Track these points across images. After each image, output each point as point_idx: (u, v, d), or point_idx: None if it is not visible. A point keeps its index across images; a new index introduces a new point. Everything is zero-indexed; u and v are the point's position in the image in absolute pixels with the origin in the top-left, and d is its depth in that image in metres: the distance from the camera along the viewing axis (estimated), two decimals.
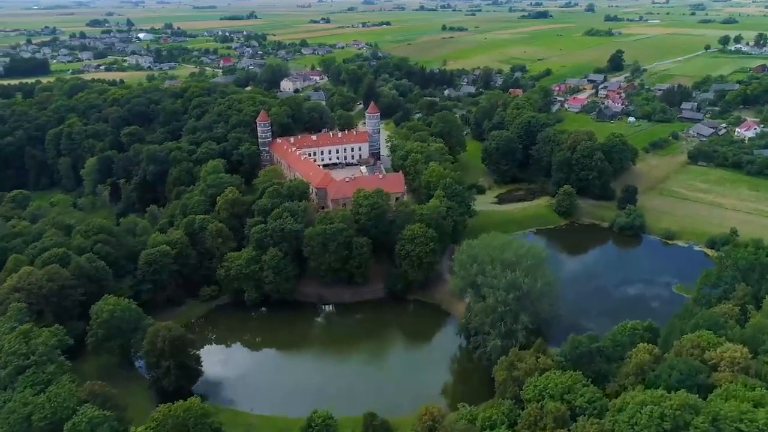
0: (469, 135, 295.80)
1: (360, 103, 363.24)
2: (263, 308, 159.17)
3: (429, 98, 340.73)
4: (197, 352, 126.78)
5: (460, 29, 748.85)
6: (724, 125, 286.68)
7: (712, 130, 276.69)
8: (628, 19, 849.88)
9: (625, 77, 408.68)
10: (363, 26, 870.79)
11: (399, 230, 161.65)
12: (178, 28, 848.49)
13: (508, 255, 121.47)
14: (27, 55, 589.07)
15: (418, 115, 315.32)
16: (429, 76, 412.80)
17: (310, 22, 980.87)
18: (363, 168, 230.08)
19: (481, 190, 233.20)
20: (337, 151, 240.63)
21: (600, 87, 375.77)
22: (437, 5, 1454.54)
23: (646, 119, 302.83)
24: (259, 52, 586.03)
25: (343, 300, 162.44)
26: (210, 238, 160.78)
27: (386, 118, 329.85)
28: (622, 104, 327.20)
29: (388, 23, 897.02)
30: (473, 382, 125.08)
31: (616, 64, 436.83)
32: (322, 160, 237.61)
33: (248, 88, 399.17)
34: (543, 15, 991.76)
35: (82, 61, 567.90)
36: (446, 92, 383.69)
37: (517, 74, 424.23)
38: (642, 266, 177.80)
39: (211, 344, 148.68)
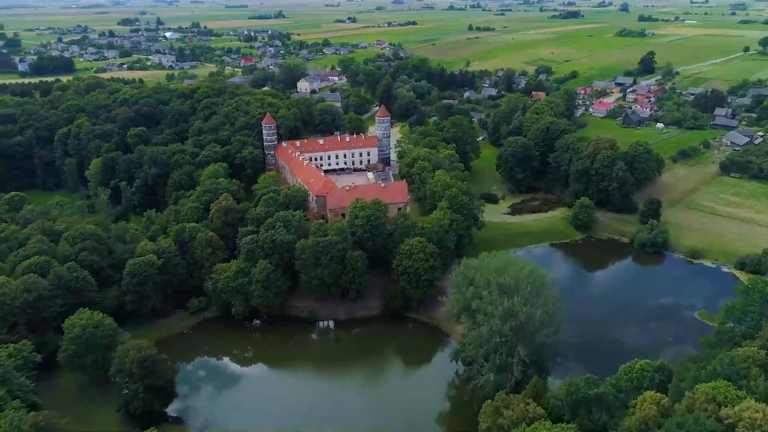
0: (486, 140, 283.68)
1: (377, 105, 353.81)
2: (257, 321, 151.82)
3: (446, 101, 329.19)
4: (173, 370, 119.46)
5: (487, 29, 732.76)
6: (760, 133, 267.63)
7: (747, 139, 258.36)
8: (663, 20, 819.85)
9: (656, 80, 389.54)
10: (388, 26, 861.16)
11: (398, 244, 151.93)
12: (205, 27, 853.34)
13: (507, 279, 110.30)
14: (55, 54, 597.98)
15: (434, 118, 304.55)
16: (449, 78, 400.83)
17: (335, 22, 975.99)
18: (370, 174, 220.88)
19: (494, 200, 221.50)
20: (345, 156, 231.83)
21: (628, 90, 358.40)
22: (467, 5, 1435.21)
23: (675, 126, 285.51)
24: (281, 52, 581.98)
25: (336, 316, 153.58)
26: (199, 247, 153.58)
27: (402, 120, 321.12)
28: (650, 109, 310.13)
29: (413, 23, 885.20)
30: (468, 411, 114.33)
31: (646, 66, 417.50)
32: (329, 165, 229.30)
33: (265, 89, 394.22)
34: (574, 15, 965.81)
35: (108, 59, 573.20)
36: (466, 95, 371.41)
37: (542, 76, 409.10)
38: (663, 288, 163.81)
39: (195, 359, 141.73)
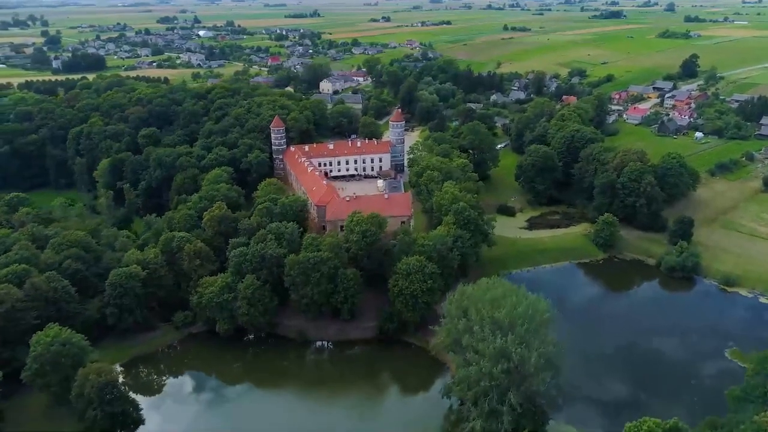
0: (509, 147, 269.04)
1: (398, 107, 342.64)
2: (250, 336, 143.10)
3: (469, 104, 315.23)
4: (135, 398, 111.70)
5: (523, 29, 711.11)
6: None
7: None
8: (710, 20, 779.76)
9: (698, 85, 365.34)
10: (422, 25, 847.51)
11: (396, 262, 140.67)
12: (239, 26, 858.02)
13: (502, 314, 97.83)
14: (92, 51, 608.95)
15: (455, 122, 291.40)
16: (477, 80, 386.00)
17: (370, 21, 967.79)
18: (380, 182, 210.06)
19: (510, 213, 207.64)
20: (355, 162, 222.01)
21: (666, 96, 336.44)
22: (505, 4, 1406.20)
23: (716, 135, 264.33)
24: (309, 51, 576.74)
25: (327, 337, 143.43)
26: (187, 259, 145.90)
27: (424, 124, 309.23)
28: (689, 117, 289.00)
29: (448, 22, 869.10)
30: None
31: (689, 70, 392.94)
32: (339, 170, 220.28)
33: (287, 89, 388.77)
34: (616, 15, 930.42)
35: (140, 57, 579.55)
36: (493, 98, 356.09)
37: (574, 79, 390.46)
38: (690, 319, 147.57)
39: (175, 378, 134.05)
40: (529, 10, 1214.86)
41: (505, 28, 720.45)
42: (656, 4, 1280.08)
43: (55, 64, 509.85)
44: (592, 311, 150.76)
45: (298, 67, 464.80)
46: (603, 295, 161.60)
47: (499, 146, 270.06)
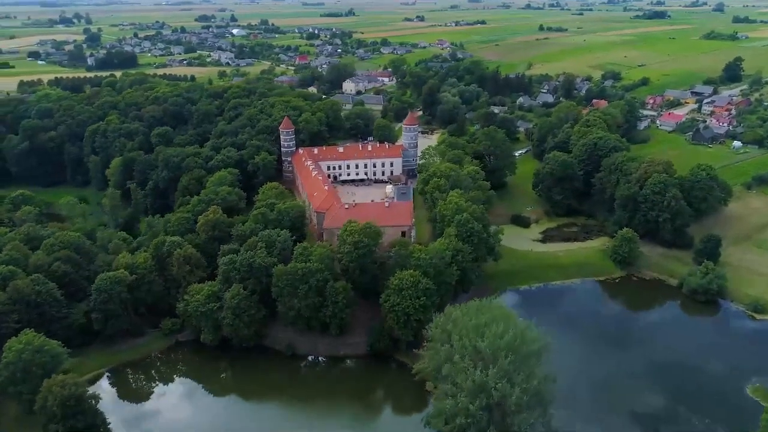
0: (530, 153, 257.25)
1: (419, 110, 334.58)
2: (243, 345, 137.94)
3: (492, 107, 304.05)
4: (105, 411, 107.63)
5: (559, 30, 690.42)
6: None
7: None
8: (761, 21, 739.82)
9: (741, 90, 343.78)
10: (456, 25, 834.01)
11: (391, 275, 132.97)
12: (272, 24, 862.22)
13: (484, 343, 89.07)
14: (128, 49, 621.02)
15: (476, 126, 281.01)
16: (504, 82, 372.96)
17: (404, 20, 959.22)
18: (389, 188, 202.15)
19: (525, 224, 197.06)
20: (365, 166, 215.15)
21: (705, 101, 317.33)
22: (545, 4, 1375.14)
23: (756, 145, 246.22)
24: (338, 50, 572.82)
25: (317, 352, 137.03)
26: (176, 264, 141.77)
27: (445, 126, 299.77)
28: (728, 124, 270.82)
29: (483, 22, 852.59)
30: None
31: (731, 73, 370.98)
32: (348, 175, 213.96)
33: (311, 89, 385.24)
34: (660, 15, 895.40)
35: (172, 55, 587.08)
36: (520, 100, 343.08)
37: (607, 83, 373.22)
38: (711, 348, 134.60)
39: (159, 387, 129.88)
40: (569, 9, 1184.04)
41: (541, 28, 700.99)
42: (705, 3, 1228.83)
43: (89, 61, 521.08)
44: (601, 335, 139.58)
45: (324, 66, 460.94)
46: (615, 316, 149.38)
47: (519, 152, 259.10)
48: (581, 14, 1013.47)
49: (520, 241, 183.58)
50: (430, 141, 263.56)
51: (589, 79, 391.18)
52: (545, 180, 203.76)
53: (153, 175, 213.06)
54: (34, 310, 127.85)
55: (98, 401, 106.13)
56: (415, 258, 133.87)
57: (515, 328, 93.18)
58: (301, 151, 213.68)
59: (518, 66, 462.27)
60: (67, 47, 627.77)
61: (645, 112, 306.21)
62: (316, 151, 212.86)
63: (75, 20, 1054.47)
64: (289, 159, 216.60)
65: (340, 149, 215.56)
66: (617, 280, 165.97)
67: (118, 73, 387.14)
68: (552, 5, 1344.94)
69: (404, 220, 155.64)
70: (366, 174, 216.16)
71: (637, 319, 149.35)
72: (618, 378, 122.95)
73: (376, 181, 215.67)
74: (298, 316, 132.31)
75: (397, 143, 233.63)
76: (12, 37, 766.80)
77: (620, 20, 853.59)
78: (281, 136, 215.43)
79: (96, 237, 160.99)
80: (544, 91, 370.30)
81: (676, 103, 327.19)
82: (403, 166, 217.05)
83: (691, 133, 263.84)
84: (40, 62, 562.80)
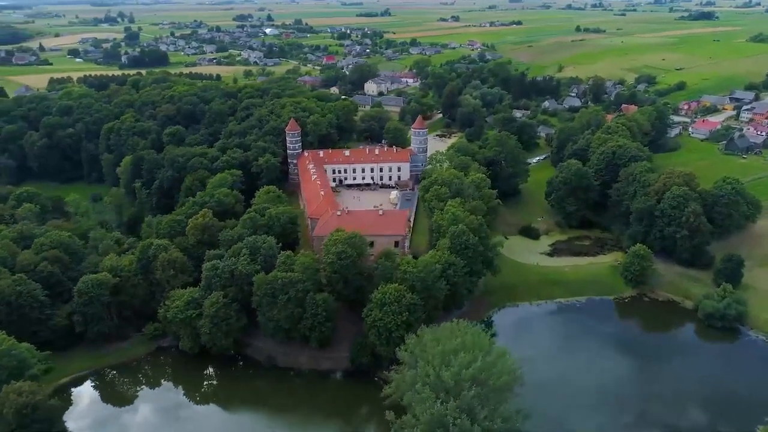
0: (548, 160, 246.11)
1: (439, 112, 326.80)
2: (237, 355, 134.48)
3: (514, 111, 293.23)
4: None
5: (596, 31, 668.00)
6: None
7: None
8: None
9: None
10: (490, 25, 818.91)
11: (376, 288, 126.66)
12: (306, 24, 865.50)
13: (449, 373, 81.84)
14: (163, 47, 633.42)
15: (495, 131, 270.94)
16: (530, 85, 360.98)
17: (438, 20, 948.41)
18: (393, 193, 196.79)
19: (534, 235, 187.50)
20: (372, 171, 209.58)
21: (744, 108, 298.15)
22: (586, 4, 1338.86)
23: None
24: (367, 51, 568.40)
25: (297, 365, 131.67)
26: (160, 268, 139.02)
27: (464, 130, 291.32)
28: (767, 133, 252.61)
29: (519, 23, 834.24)
30: None
31: None
32: (354, 179, 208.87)
33: (332, 89, 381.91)
34: (707, 16, 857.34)
35: (204, 54, 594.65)
36: (545, 104, 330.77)
37: (640, 87, 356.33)
38: (723, 381, 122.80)
39: (135, 393, 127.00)
40: (611, 10, 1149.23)
41: (578, 29, 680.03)
42: (758, 4, 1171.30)
43: (123, 59, 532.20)
44: (601, 361, 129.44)
45: (350, 66, 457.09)
46: (619, 340, 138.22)
47: (537, 159, 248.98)
48: (623, 15, 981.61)
49: (526, 254, 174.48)
50: (447, 145, 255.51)
51: (621, 82, 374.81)
52: (558, 189, 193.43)
53: (159, 174, 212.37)
54: (15, 311, 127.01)
55: (59, 410, 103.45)
56: (402, 271, 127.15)
57: (487, 357, 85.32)
58: (306, 153, 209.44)
59: (548, 68, 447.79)
60: (105, 45, 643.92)
61: (677, 119, 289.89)
62: (321, 153, 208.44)
63: (119, 19, 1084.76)
64: (294, 161, 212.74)
65: (346, 152, 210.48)
66: (627, 300, 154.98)
67: (144, 71, 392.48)
68: (594, 5, 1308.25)
69: (397, 230, 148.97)
70: (372, 178, 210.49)
71: (642, 344, 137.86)
72: (612, 411, 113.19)
73: (383, 186, 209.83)
74: (278, 327, 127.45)
75: (409, 147, 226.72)
76: (57, 35, 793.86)
77: (664, 21, 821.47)
78: (287, 138, 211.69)
79: (88, 237, 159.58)
80: (573, 94, 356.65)
81: (712, 110, 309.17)
82: (412, 171, 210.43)
83: (724, 142, 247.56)
84: (78, 60, 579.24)
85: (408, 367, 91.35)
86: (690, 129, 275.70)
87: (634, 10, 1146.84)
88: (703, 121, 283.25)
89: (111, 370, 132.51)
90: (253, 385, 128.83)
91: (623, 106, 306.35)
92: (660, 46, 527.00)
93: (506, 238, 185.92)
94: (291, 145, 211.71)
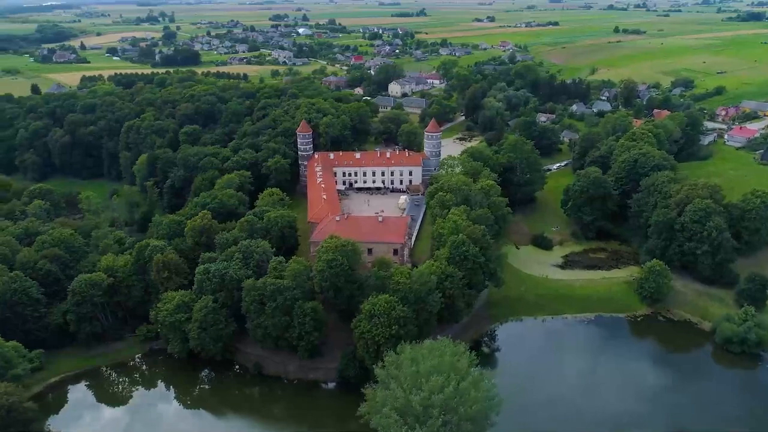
0: (570, 166, 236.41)
1: (462, 115, 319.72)
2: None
3: (539, 114, 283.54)
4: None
5: (636, 32, 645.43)
6: None
7: None
8: None
9: None
10: (526, 26, 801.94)
11: (367, 298, 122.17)
12: (339, 24, 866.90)
13: (418, 398, 76.65)
14: (197, 46, 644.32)
15: (516, 134, 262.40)
16: (558, 88, 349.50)
17: (473, 21, 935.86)
18: (402, 199, 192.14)
19: (546, 245, 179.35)
20: (382, 174, 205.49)
21: None
22: (629, 4, 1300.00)
23: None
24: (396, 51, 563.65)
25: (285, 374, 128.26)
26: (154, 270, 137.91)
27: (485, 133, 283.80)
28: None
29: (555, 23, 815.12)
30: None
31: None
32: (364, 182, 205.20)
33: (357, 90, 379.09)
34: (756, 17, 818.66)
35: (237, 53, 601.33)
36: (573, 108, 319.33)
37: (676, 91, 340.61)
38: (736, 416, 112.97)
39: (120, 394, 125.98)
40: (655, 10, 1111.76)
41: (616, 30, 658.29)
42: None
43: (157, 58, 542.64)
44: (599, 385, 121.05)
45: (377, 66, 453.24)
46: (624, 362, 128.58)
47: (557, 165, 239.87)
48: (667, 15, 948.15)
49: (536, 265, 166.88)
50: (465, 149, 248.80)
51: (656, 86, 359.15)
52: (575, 198, 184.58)
53: (171, 173, 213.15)
54: (9, 309, 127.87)
55: (35, 412, 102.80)
56: (394, 281, 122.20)
57: (462, 381, 79.68)
58: (316, 155, 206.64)
59: (581, 70, 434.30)
60: (142, 44, 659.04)
61: (713, 125, 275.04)
62: (332, 156, 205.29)
63: (160, 18, 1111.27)
64: (305, 164, 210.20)
65: (357, 155, 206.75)
66: (639, 319, 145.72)
67: (177, 70, 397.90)
68: (638, 6, 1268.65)
69: (396, 237, 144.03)
70: (383, 182, 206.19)
71: (650, 368, 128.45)
72: None
73: (393, 191, 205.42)
74: (266, 334, 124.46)
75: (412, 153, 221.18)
76: (98, 34, 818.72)
77: (710, 22, 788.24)
78: (298, 140, 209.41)
79: (91, 236, 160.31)
80: (603, 98, 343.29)
81: (752, 116, 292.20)
82: (424, 175, 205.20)
83: (761, 151, 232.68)
84: (115, 58, 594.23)
85: (382, 386, 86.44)
86: (725, 136, 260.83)
87: (679, 10, 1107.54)
88: (741, 128, 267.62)
89: (101, 371, 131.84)
90: (241, 392, 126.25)
91: (655, 111, 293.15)
92: (702, 49, 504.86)
93: (517, 247, 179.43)
94: (302, 147, 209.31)
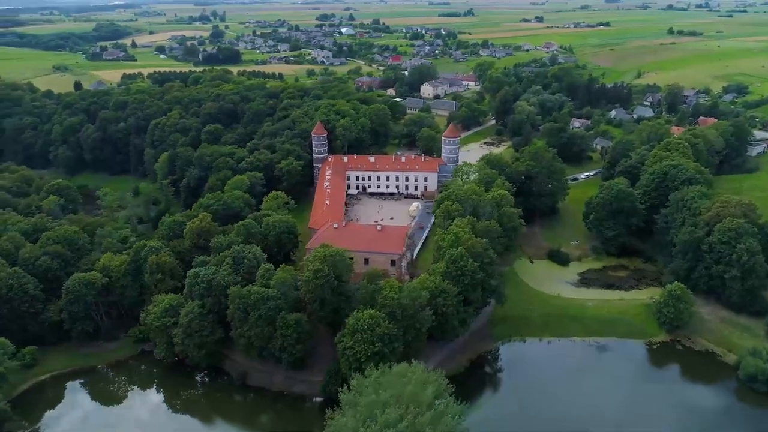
0: (599, 176, 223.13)
1: (492, 118, 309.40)
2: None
3: (573, 120, 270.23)
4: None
5: (692, 34, 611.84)
6: None
7: None
8: None
9: None
10: (575, 26, 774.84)
11: (353, 312, 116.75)
12: (383, 24, 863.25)
13: (372, 430, 70.62)
14: (242, 45, 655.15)
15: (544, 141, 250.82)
16: (598, 92, 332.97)
17: (521, 21, 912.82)
18: (414, 205, 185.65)
19: (563, 261, 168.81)
20: (397, 179, 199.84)
21: None
22: (689, 4, 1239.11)
23: None
24: (435, 52, 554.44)
25: (270, 385, 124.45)
26: (148, 271, 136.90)
27: (514, 138, 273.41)
28: None
29: (606, 24, 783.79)
30: None
31: None
32: (378, 187, 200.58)
33: (389, 91, 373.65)
34: None
35: (278, 52, 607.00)
36: (612, 113, 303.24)
37: (727, 97, 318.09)
38: None
39: (106, 395, 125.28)
40: (718, 11, 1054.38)
41: (670, 31, 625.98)
42: None
43: (200, 56, 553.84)
44: (604, 428, 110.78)
45: (414, 66, 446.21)
46: (634, 399, 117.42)
47: (585, 174, 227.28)
48: (730, 16, 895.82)
49: (549, 282, 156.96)
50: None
51: (705, 91, 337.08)
52: (597, 211, 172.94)
53: (188, 172, 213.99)
54: (5, 305, 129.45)
55: (8, 413, 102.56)
56: (383, 296, 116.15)
57: (421, 416, 72.98)
58: (330, 158, 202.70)
59: (626, 74, 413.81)
60: (189, 43, 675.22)
61: (763, 135, 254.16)
62: (345, 159, 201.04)
63: (211, 17, 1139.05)
64: (319, 166, 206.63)
65: (371, 159, 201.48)
66: (656, 346, 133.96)
67: (212, 69, 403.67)
68: (699, 6, 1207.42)
69: (394, 248, 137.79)
70: (397, 188, 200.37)
71: (660, 404, 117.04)
72: None
73: (408, 197, 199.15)
74: (250, 344, 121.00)
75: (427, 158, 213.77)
76: (150, 33, 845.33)
77: None
78: (313, 142, 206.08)
79: (95, 233, 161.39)
80: (647, 103, 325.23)
81: None
82: (440, 182, 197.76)
83: None
84: (162, 56, 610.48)
85: (342, 413, 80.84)
86: None
87: (745, 11, 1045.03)
88: None
89: (93, 370, 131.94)
90: (227, 401, 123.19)
91: (701, 118, 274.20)
92: (763, 52, 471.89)
93: (531, 261, 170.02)
94: (317, 149, 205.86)
